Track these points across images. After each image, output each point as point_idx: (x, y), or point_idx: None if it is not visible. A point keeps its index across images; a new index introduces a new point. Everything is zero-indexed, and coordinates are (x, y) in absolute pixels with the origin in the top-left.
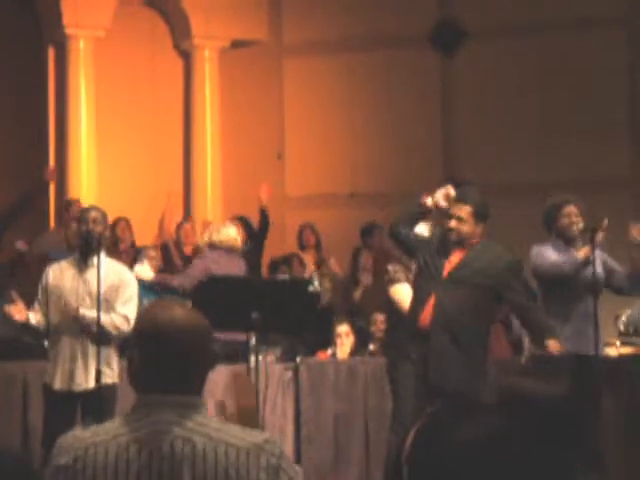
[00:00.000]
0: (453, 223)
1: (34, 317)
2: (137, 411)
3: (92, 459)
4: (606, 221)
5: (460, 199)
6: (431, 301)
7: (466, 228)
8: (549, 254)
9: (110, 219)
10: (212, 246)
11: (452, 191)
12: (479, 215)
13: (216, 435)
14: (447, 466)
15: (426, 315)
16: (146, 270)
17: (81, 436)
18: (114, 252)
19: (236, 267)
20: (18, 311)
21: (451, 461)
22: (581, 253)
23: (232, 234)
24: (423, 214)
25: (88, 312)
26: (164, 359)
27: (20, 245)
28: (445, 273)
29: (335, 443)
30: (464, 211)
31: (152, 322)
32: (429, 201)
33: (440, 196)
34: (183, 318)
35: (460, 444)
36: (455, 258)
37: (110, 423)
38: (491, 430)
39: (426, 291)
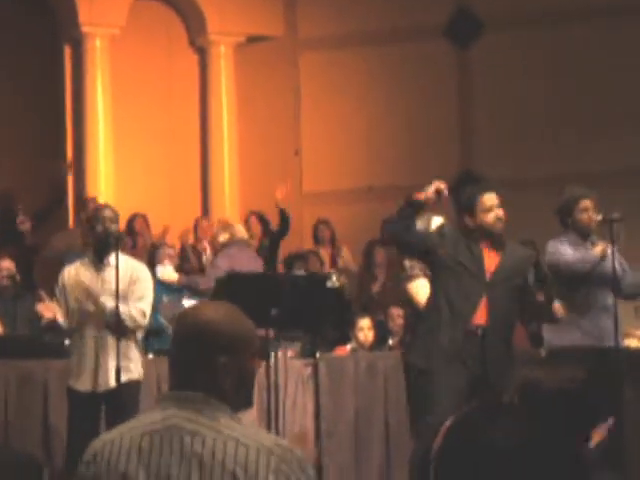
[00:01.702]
0: (502, 213)
1: (60, 317)
2: (157, 406)
3: (108, 452)
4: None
5: (495, 190)
6: (483, 301)
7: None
8: (566, 251)
9: (127, 215)
10: (227, 245)
11: (443, 185)
12: None
13: (227, 432)
14: (477, 467)
15: (481, 315)
16: (169, 271)
17: (109, 432)
18: (131, 248)
19: (253, 263)
20: (48, 309)
21: (481, 462)
22: (597, 249)
23: (241, 230)
24: (415, 212)
25: (109, 302)
26: (192, 357)
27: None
28: (488, 273)
29: (355, 438)
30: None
31: (185, 321)
32: (422, 196)
33: (432, 190)
34: (215, 317)
35: (492, 446)
36: (492, 256)
37: (134, 419)
38: (522, 433)
39: (471, 290)
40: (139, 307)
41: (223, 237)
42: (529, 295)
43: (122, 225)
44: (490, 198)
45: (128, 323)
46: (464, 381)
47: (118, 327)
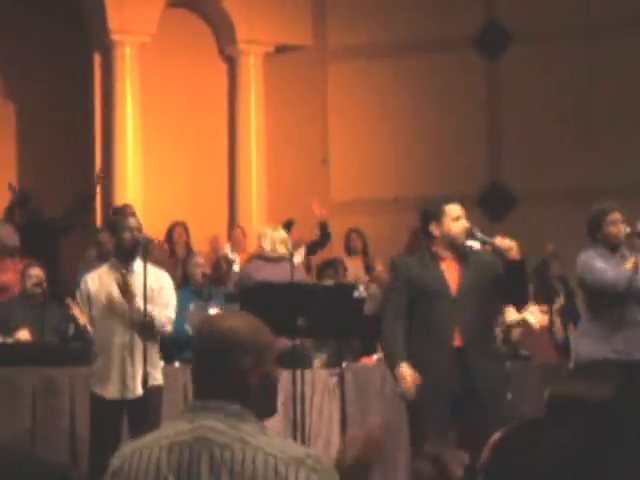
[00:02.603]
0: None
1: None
2: (184, 416)
3: (136, 462)
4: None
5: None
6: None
7: None
8: (599, 267)
9: (165, 224)
10: (261, 256)
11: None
12: None
13: (256, 444)
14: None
15: (457, 335)
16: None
17: (136, 441)
18: (170, 257)
19: (283, 273)
20: (82, 315)
21: (528, 476)
22: (629, 265)
23: (283, 236)
24: None
25: (140, 304)
26: (215, 366)
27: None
28: (452, 290)
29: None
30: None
31: (209, 331)
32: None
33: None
34: (240, 327)
35: (539, 460)
36: (451, 271)
37: (160, 428)
38: (567, 447)
39: (439, 311)
40: (165, 314)
41: (259, 245)
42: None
43: (160, 233)
44: (456, 209)
45: (157, 326)
46: (448, 408)
47: (147, 328)
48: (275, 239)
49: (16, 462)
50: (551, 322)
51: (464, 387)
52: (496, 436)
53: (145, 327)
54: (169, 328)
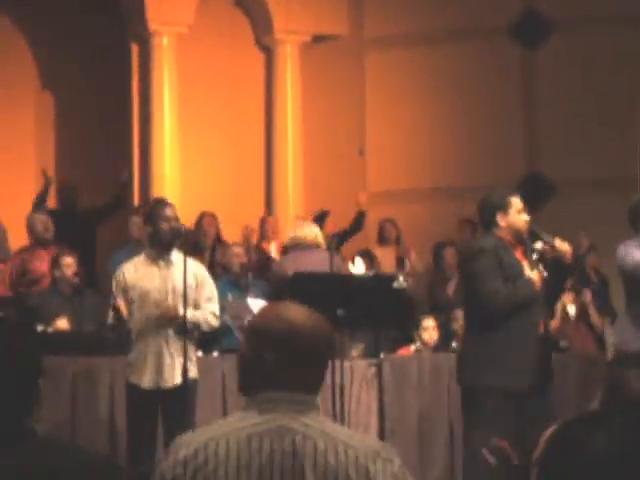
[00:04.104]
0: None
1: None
2: (255, 407)
3: (213, 452)
4: None
5: None
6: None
7: None
8: (633, 253)
9: (194, 214)
10: (291, 245)
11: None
12: None
13: (334, 435)
14: (578, 475)
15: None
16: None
17: (200, 431)
18: (199, 247)
19: (320, 263)
20: (124, 307)
21: (583, 470)
22: None
23: (315, 230)
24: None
25: (189, 314)
26: (295, 359)
27: (122, 175)
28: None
29: (419, 439)
30: None
31: (287, 323)
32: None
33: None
34: (313, 318)
35: (595, 454)
36: (526, 264)
37: (229, 418)
38: (622, 441)
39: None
40: (212, 310)
41: (291, 235)
42: None
43: (190, 223)
44: (519, 201)
45: (205, 328)
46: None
47: (189, 332)
48: (309, 229)
49: (61, 451)
50: (587, 313)
51: (540, 377)
52: (551, 429)
53: (186, 330)
54: (217, 324)
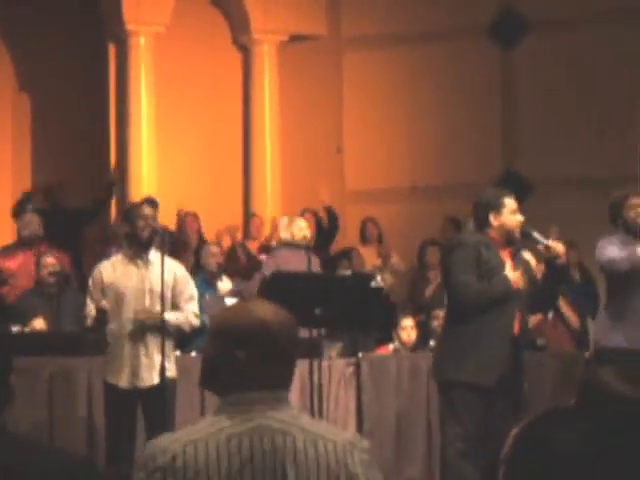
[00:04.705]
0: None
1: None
2: (231, 408)
3: (192, 456)
4: None
5: None
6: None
7: None
8: (610, 249)
9: (172, 214)
10: (283, 244)
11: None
12: None
13: (312, 429)
14: (546, 472)
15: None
16: (226, 285)
17: (175, 436)
18: (180, 246)
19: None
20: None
21: (550, 467)
22: None
23: (303, 228)
24: None
25: (172, 317)
26: (267, 356)
27: (110, 175)
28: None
29: (397, 438)
30: None
31: (258, 321)
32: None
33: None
34: (282, 315)
35: (561, 451)
36: (507, 261)
37: (202, 421)
38: (590, 437)
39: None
40: (193, 310)
41: (279, 234)
42: None
43: (172, 223)
44: (513, 202)
45: (187, 329)
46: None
47: (171, 334)
48: (298, 227)
49: (38, 452)
50: (564, 311)
51: (512, 375)
52: (519, 426)
53: (161, 332)
54: (198, 323)
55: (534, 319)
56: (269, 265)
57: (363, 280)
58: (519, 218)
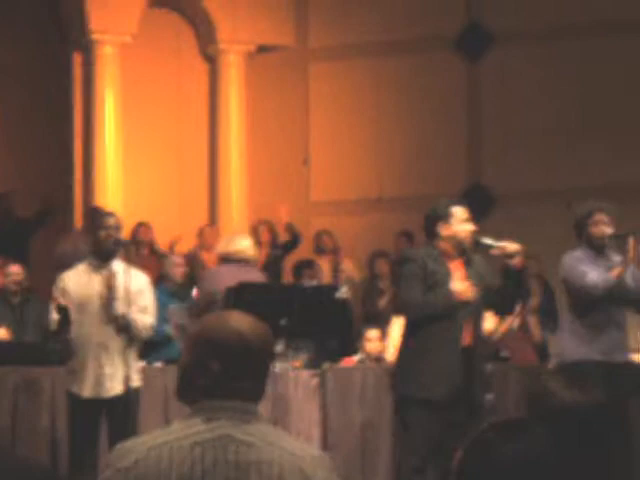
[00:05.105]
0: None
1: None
2: (197, 415)
3: (154, 461)
4: (632, 241)
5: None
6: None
7: None
8: (582, 269)
9: (133, 224)
10: (225, 259)
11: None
12: None
13: (278, 444)
14: None
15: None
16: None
17: (143, 439)
18: (136, 256)
19: (252, 278)
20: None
21: (498, 477)
22: (614, 273)
23: (246, 245)
24: None
25: (121, 308)
26: (241, 368)
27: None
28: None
29: (361, 450)
30: None
31: (235, 333)
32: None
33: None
34: (258, 327)
35: (509, 461)
36: (458, 272)
37: (172, 426)
38: (539, 449)
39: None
40: (144, 319)
41: (221, 249)
42: None
43: (127, 234)
44: (463, 211)
45: (135, 331)
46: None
47: (128, 331)
48: (241, 242)
49: (2, 461)
50: (526, 323)
51: (465, 388)
52: (468, 438)
53: (123, 330)
54: (148, 335)
55: (502, 328)
56: (205, 280)
57: (327, 291)
58: (469, 227)
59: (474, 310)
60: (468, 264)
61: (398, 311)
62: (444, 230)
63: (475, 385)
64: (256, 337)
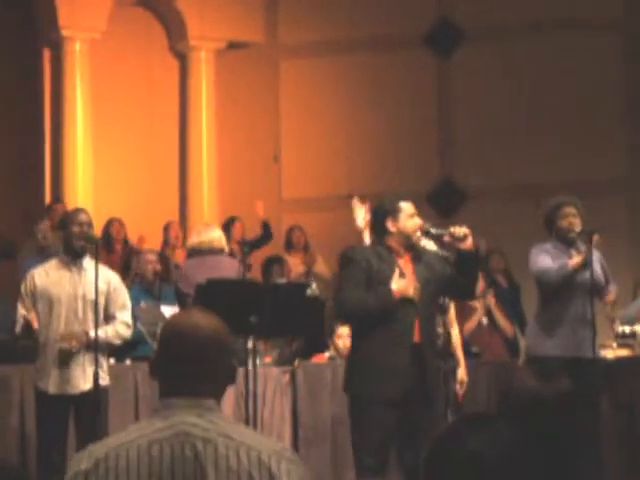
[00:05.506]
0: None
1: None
2: (157, 414)
3: (114, 462)
4: (597, 237)
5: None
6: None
7: None
8: (541, 258)
9: (105, 220)
10: (195, 251)
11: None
12: None
13: (237, 437)
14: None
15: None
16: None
17: (106, 442)
18: (108, 252)
19: (224, 268)
20: (35, 318)
21: (468, 473)
22: (573, 261)
23: (215, 235)
24: None
25: (101, 334)
26: (200, 367)
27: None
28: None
29: (333, 446)
30: None
31: (192, 327)
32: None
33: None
34: (214, 323)
35: (477, 455)
36: (406, 268)
37: (130, 427)
38: (506, 441)
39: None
40: (124, 320)
41: (191, 241)
42: None
43: (98, 230)
44: (410, 206)
45: (117, 342)
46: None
47: (105, 347)
48: (213, 232)
49: None
50: (494, 318)
51: (418, 384)
52: (438, 433)
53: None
54: (129, 333)
55: (468, 326)
56: (180, 282)
57: (298, 288)
58: (417, 222)
59: (423, 307)
60: (417, 259)
61: (336, 314)
62: (393, 226)
63: (428, 381)
64: (210, 331)
